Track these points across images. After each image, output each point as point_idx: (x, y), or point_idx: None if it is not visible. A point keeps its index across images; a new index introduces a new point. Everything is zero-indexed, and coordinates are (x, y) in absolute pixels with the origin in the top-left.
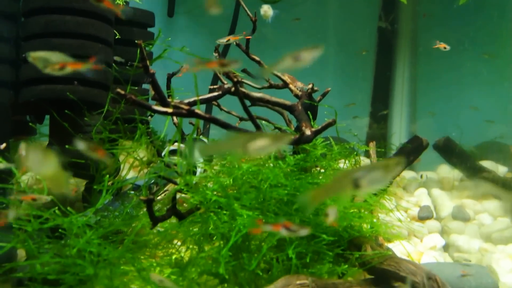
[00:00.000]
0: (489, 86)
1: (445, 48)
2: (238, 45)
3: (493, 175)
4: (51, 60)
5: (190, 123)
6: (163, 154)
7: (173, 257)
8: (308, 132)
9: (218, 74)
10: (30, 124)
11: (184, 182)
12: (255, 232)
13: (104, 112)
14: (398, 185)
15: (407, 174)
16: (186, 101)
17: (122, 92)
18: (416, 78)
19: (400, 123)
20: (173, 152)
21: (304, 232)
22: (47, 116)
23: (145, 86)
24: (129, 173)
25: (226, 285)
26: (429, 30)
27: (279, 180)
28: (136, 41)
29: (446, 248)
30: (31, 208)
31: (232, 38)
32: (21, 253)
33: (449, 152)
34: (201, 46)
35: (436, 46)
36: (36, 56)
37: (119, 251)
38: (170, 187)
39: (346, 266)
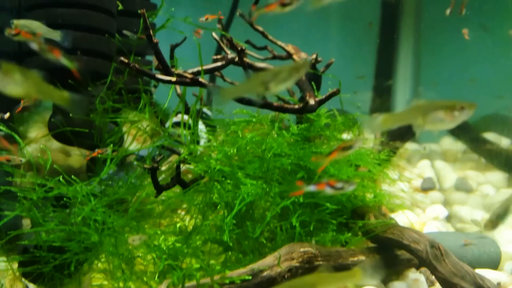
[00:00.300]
0: (494, 58)
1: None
2: (241, 15)
3: (496, 147)
4: (31, 28)
5: (194, 94)
6: (166, 125)
7: (178, 225)
8: (312, 101)
9: (222, 44)
10: None
11: (188, 151)
12: (298, 194)
13: (108, 82)
14: (401, 157)
15: (410, 146)
16: (190, 71)
17: (126, 60)
18: (420, 51)
19: (403, 96)
20: (176, 124)
21: (351, 187)
22: None
23: (149, 58)
24: (132, 143)
25: (230, 253)
26: (433, 2)
27: (282, 149)
28: (139, 11)
29: (449, 218)
30: (36, 177)
31: (210, 17)
32: (26, 222)
33: None
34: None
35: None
36: (18, 24)
37: (123, 220)
38: (173, 158)
39: (350, 234)
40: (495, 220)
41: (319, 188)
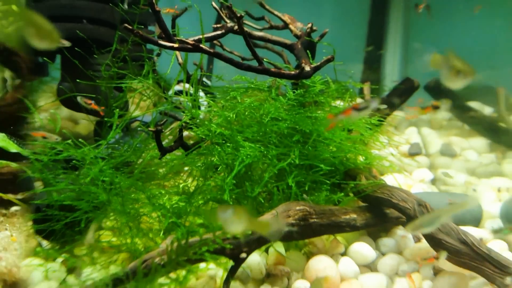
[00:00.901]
0: (480, 29)
1: None
2: None
3: (479, 115)
4: None
5: (194, 63)
6: (169, 93)
7: (181, 186)
8: (307, 68)
9: (221, 14)
10: (45, 59)
11: (190, 116)
12: (332, 127)
13: (113, 50)
14: (389, 124)
15: (399, 113)
16: (191, 39)
17: (130, 27)
18: (409, 23)
19: (392, 68)
20: (179, 91)
21: (374, 104)
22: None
23: (151, 28)
24: (137, 109)
25: None
26: None
27: (279, 114)
28: None
29: (434, 181)
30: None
31: (168, 10)
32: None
33: (439, 92)
34: None
35: None
36: None
37: (130, 180)
38: (176, 125)
39: (342, 194)
40: (418, 226)
41: (347, 114)
